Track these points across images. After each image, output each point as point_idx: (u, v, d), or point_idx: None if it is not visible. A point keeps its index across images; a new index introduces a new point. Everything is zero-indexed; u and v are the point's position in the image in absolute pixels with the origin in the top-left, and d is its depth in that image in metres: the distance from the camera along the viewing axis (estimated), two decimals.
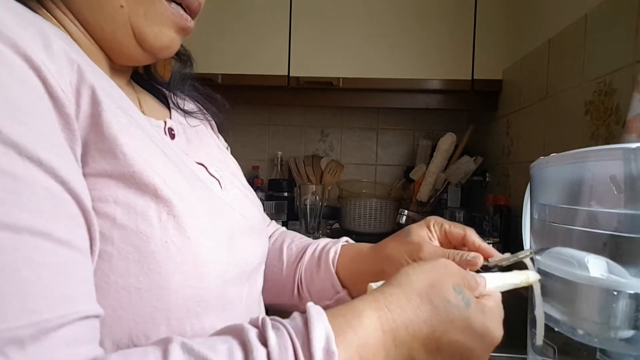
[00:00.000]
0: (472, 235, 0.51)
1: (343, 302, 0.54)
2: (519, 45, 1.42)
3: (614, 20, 0.91)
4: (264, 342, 0.30)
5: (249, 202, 0.51)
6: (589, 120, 0.98)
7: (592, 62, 0.99)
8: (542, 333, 0.44)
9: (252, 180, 1.85)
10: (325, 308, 0.54)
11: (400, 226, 1.61)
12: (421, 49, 1.56)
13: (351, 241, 0.62)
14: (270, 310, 0.69)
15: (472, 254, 0.47)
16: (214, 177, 0.47)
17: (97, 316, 0.29)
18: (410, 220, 1.44)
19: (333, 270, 0.57)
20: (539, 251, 0.48)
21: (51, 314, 0.26)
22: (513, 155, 1.44)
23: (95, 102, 0.32)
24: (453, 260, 0.46)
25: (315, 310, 0.33)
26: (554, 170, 0.51)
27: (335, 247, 0.59)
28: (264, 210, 0.64)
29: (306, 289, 0.59)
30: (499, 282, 0.44)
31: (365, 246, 0.58)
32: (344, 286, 0.56)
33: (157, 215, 0.34)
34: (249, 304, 0.47)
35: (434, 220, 0.53)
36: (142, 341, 0.34)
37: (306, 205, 1.49)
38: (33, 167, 0.27)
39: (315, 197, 1.49)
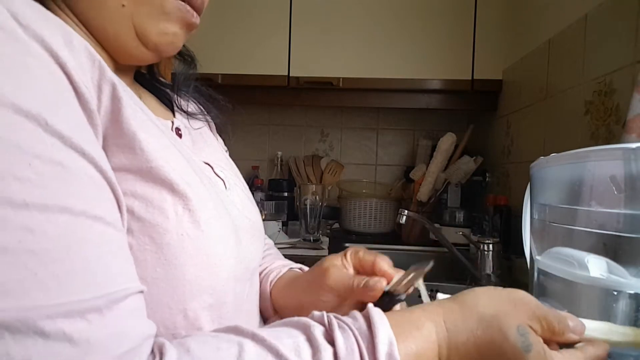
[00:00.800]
0: (381, 262, 0.48)
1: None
2: (519, 45, 1.42)
3: (614, 20, 0.91)
4: (331, 341, 0.32)
5: (251, 204, 0.52)
6: (589, 120, 0.98)
7: (592, 62, 0.99)
8: None
9: (252, 180, 1.85)
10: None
11: (400, 226, 1.61)
12: (421, 49, 1.56)
13: (305, 269, 0.59)
14: None
15: (375, 278, 0.45)
16: (219, 177, 0.48)
17: (143, 291, 0.31)
18: (410, 221, 1.43)
19: (268, 293, 0.55)
20: (422, 274, 0.45)
21: (115, 287, 0.28)
22: (513, 155, 1.44)
23: (115, 98, 0.33)
24: (357, 285, 0.45)
25: (377, 314, 0.34)
26: (554, 170, 0.51)
27: (278, 271, 0.57)
28: (263, 210, 0.64)
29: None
30: (603, 331, 0.38)
31: (293, 274, 0.57)
32: (276, 312, 0.55)
33: (173, 208, 0.35)
34: (251, 302, 0.47)
35: (351, 249, 0.52)
36: (161, 331, 0.35)
37: (306, 205, 1.49)
38: (77, 156, 0.28)
39: (315, 197, 1.49)
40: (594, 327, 0.38)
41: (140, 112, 0.36)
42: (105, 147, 0.33)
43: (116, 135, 0.33)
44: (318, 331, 0.32)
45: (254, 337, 0.31)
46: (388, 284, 0.44)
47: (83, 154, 0.28)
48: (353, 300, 0.48)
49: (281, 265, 0.59)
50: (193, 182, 0.38)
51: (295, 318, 0.35)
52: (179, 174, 0.36)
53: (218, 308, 0.39)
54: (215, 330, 0.34)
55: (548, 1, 1.23)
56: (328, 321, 0.33)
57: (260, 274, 0.57)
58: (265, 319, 0.55)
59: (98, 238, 0.28)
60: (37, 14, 0.29)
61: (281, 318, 0.53)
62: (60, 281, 0.25)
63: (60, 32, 0.30)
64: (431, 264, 0.44)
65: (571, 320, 0.37)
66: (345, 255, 0.51)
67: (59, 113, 0.28)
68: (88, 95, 0.30)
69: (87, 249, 0.27)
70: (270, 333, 0.32)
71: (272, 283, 0.56)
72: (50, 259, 0.25)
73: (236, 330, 0.32)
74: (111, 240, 0.29)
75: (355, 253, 0.51)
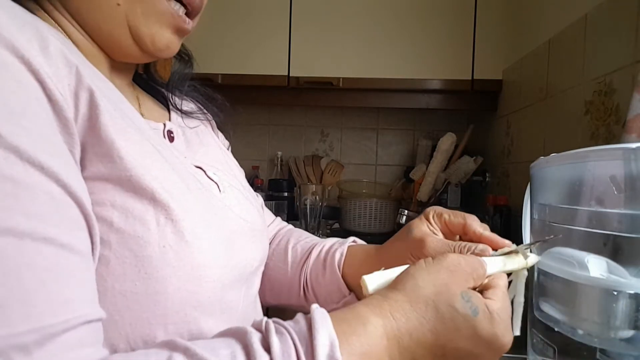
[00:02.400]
0: (473, 223, 0.48)
1: (351, 304, 0.54)
2: (519, 45, 1.42)
3: (614, 20, 0.91)
4: (267, 347, 0.30)
5: (249, 204, 0.51)
6: (589, 120, 0.98)
7: (592, 62, 0.99)
8: (519, 323, 0.43)
9: (252, 180, 1.85)
10: (333, 310, 0.53)
11: (400, 226, 1.61)
12: (421, 49, 1.56)
13: (359, 241, 0.60)
14: (274, 310, 0.69)
15: (480, 246, 0.44)
16: (213, 180, 0.47)
17: (99, 319, 0.29)
18: (410, 220, 1.44)
19: (339, 274, 0.55)
20: (538, 241, 0.47)
21: (55, 319, 0.26)
22: (513, 155, 1.44)
23: (93, 105, 0.32)
24: (460, 252, 0.44)
25: (319, 315, 0.33)
26: (554, 170, 0.51)
27: (341, 249, 0.57)
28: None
29: (312, 291, 0.58)
30: (498, 266, 0.42)
31: (371, 248, 0.56)
32: (350, 289, 0.55)
33: (154, 219, 0.34)
34: (245, 307, 0.46)
35: (433, 211, 0.51)
36: (139, 346, 0.34)
37: (306, 205, 1.49)
38: (34, 171, 0.26)
39: (315, 197, 1.49)
40: (489, 263, 0.41)
41: (120, 119, 0.35)
42: (84, 157, 0.32)
43: (94, 144, 0.32)
44: (255, 338, 0.31)
45: (186, 352, 0.29)
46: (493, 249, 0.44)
47: (42, 168, 0.27)
48: None
49: (337, 243, 0.58)
50: (177, 191, 0.37)
51: (235, 327, 0.33)
52: (161, 183, 0.35)
53: (202, 320, 0.37)
54: (150, 346, 0.32)
55: (548, 1, 1.23)
56: (266, 327, 0.32)
57: (308, 257, 0.57)
58: (337, 301, 0.55)
59: (44, 263, 0.26)
60: (11, 20, 0.28)
61: (357, 296, 0.54)
62: None
63: (35, 38, 0.29)
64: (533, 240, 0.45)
65: (479, 251, 0.42)
66: (428, 219, 0.50)
67: (18, 125, 0.26)
68: (63, 102, 0.29)
69: (28, 276, 0.25)
70: (207, 345, 0.30)
71: (341, 264, 0.55)
72: None
73: (169, 345, 0.30)
74: (61, 264, 0.27)
75: (439, 216, 0.50)
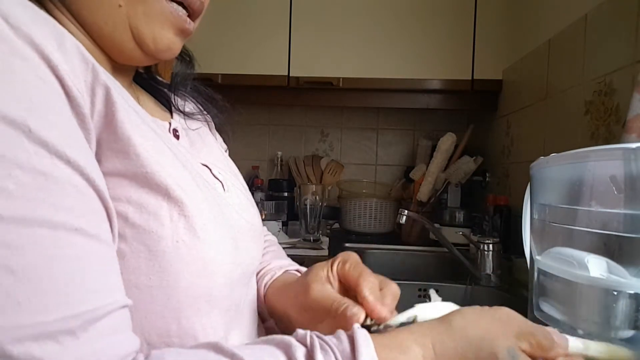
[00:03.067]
0: (363, 283, 0.43)
1: (272, 331, 0.52)
2: (519, 45, 1.42)
3: (614, 20, 0.91)
4: None
5: (250, 205, 0.51)
6: (589, 120, 0.98)
7: (592, 62, 0.99)
8: None
9: (252, 180, 1.84)
10: (264, 330, 0.50)
11: (400, 226, 1.61)
12: (421, 49, 1.56)
13: (302, 269, 0.57)
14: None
15: (354, 309, 0.40)
16: (217, 179, 0.47)
17: (128, 306, 0.30)
18: (410, 221, 1.43)
19: (262, 297, 0.53)
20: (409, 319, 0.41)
21: (94, 304, 0.27)
22: (513, 155, 1.44)
23: (109, 102, 0.32)
24: (335, 310, 0.41)
25: (362, 336, 0.33)
26: (554, 170, 0.51)
27: (272, 273, 0.55)
28: (263, 210, 0.64)
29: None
30: (579, 347, 0.39)
31: (291, 282, 0.53)
32: (271, 315, 0.53)
33: (168, 215, 0.35)
34: (249, 305, 0.47)
35: (340, 258, 0.47)
36: (154, 339, 0.35)
37: (306, 205, 1.49)
38: (62, 164, 0.27)
39: (315, 197, 1.49)
40: (572, 344, 0.38)
41: (135, 116, 0.35)
42: (99, 152, 0.32)
43: (110, 140, 0.33)
44: (300, 352, 0.31)
45: (233, 357, 0.30)
46: (367, 316, 0.40)
47: (68, 162, 0.28)
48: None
49: (277, 267, 0.57)
50: (189, 187, 0.37)
51: (279, 336, 0.34)
52: (175, 179, 0.36)
53: (214, 315, 0.38)
54: (195, 346, 0.33)
55: (548, 1, 1.23)
56: (310, 342, 0.32)
57: (256, 275, 0.56)
58: (264, 321, 0.54)
59: (77, 252, 0.27)
60: (29, 15, 0.28)
61: (275, 323, 0.53)
62: (34, 300, 0.24)
63: (53, 34, 0.29)
64: (414, 316, 0.40)
65: (555, 335, 0.37)
66: (332, 264, 0.47)
67: (45, 119, 0.27)
68: (80, 99, 0.30)
69: (65, 265, 0.26)
70: (252, 353, 0.31)
71: (266, 286, 0.54)
72: (25, 276, 0.24)
73: (216, 348, 0.31)
74: (92, 254, 0.28)
75: (342, 264, 0.46)
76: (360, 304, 0.41)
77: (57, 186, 0.27)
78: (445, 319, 0.37)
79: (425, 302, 0.42)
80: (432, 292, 0.44)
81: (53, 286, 0.25)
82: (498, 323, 0.36)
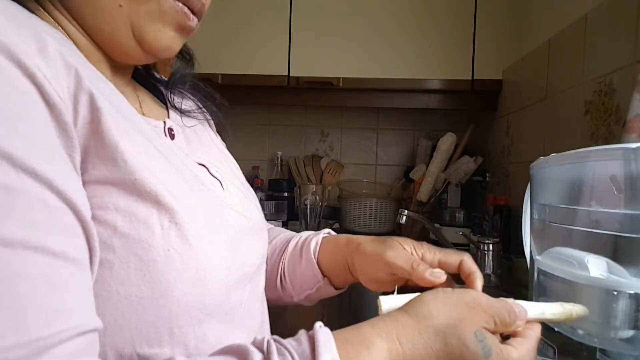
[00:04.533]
0: (468, 261, 0.49)
1: (323, 290, 0.57)
2: (519, 45, 1.42)
3: (614, 20, 0.91)
4: None
5: (250, 202, 0.51)
6: (589, 120, 0.98)
7: (592, 62, 0.99)
8: None
9: (252, 180, 1.85)
10: (307, 297, 0.55)
11: (400, 226, 1.61)
12: (421, 49, 1.56)
13: (333, 233, 0.62)
14: (274, 307, 0.69)
15: (437, 270, 0.45)
16: (216, 177, 0.47)
17: (95, 329, 0.29)
18: (410, 221, 1.43)
19: (314, 260, 0.57)
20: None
21: (47, 331, 0.25)
22: (513, 155, 1.44)
23: (94, 108, 0.31)
24: (416, 269, 0.45)
25: (323, 337, 0.33)
26: (554, 170, 0.51)
27: (316, 238, 0.59)
28: (263, 210, 0.64)
29: (289, 280, 0.59)
30: (536, 312, 0.40)
31: (342, 238, 0.58)
32: (324, 275, 0.57)
33: (159, 223, 0.34)
34: (250, 305, 0.47)
35: (426, 246, 0.51)
36: (145, 350, 0.34)
37: (306, 205, 1.49)
38: (27, 178, 0.26)
39: (315, 197, 1.49)
40: (530, 313, 0.40)
41: (123, 121, 0.34)
42: (85, 160, 0.31)
43: (97, 147, 0.32)
44: (257, 359, 0.31)
45: None
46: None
47: (35, 175, 0.26)
48: (403, 281, 0.49)
49: (313, 234, 0.60)
50: (182, 193, 0.36)
51: (236, 344, 0.33)
52: (166, 186, 0.35)
53: (207, 322, 0.37)
54: None
55: (548, 1, 1.23)
56: (267, 347, 0.32)
57: (295, 246, 0.60)
58: (311, 287, 0.57)
59: (37, 272, 0.25)
60: (8, 22, 0.28)
61: (331, 281, 0.57)
62: None
63: (34, 39, 0.29)
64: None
65: (515, 307, 0.38)
66: (414, 248, 0.51)
67: (13, 130, 0.26)
68: (61, 106, 0.29)
69: (21, 287, 0.24)
70: None
71: (316, 251, 0.57)
72: None
73: None
74: (54, 274, 0.26)
75: (433, 253, 0.50)
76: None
77: (20, 201, 0.25)
78: (408, 308, 0.37)
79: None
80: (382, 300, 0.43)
81: (1, 310, 0.24)
82: (462, 307, 0.36)
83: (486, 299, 0.38)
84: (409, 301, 0.38)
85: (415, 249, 0.51)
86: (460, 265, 0.48)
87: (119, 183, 0.32)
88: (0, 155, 0.25)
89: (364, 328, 0.35)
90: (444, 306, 0.36)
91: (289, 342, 0.33)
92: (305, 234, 0.62)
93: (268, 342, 0.32)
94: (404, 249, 0.50)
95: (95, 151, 0.32)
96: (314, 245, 0.58)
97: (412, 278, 0.46)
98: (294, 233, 0.64)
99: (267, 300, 0.58)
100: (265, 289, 0.59)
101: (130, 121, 0.36)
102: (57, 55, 0.30)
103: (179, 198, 0.36)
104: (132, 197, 0.33)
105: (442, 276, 0.45)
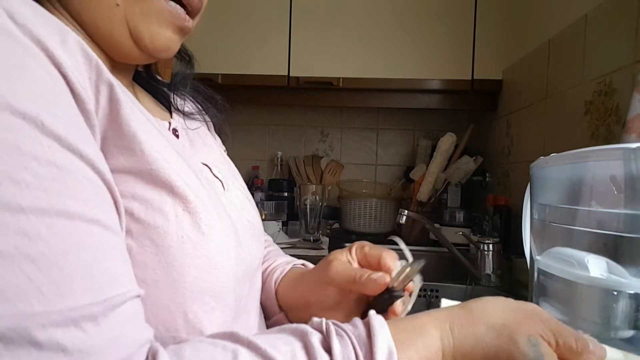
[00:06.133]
0: (387, 258, 0.48)
1: (280, 323, 0.54)
2: (519, 45, 1.42)
3: (614, 20, 0.91)
4: (328, 348, 0.31)
5: (249, 204, 0.51)
6: (589, 120, 0.98)
7: (592, 62, 0.99)
8: None
9: (252, 180, 1.85)
10: (267, 326, 0.53)
11: (400, 226, 1.61)
12: (421, 49, 1.56)
13: (308, 265, 0.59)
14: None
15: (378, 273, 0.45)
16: (217, 178, 0.47)
17: (140, 296, 0.31)
18: (410, 221, 1.43)
19: (273, 291, 0.55)
20: (419, 263, 0.45)
21: (114, 292, 0.28)
22: (513, 155, 1.44)
23: (113, 99, 0.33)
24: (359, 278, 0.45)
25: (378, 322, 0.34)
26: (554, 170, 0.51)
27: (282, 268, 0.57)
28: (263, 210, 0.64)
29: None
30: (622, 358, 0.37)
31: (301, 272, 0.56)
32: (281, 308, 0.55)
33: (173, 210, 0.35)
34: (252, 302, 0.47)
35: (357, 244, 0.52)
36: (161, 333, 0.35)
37: (306, 205, 1.49)
38: (74, 157, 0.28)
39: (315, 197, 1.49)
40: (610, 355, 0.36)
41: (139, 113, 0.36)
42: (104, 149, 0.33)
43: (115, 137, 0.33)
44: (315, 338, 0.32)
45: (249, 345, 0.31)
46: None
47: (80, 155, 0.28)
48: (355, 295, 0.48)
49: (284, 263, 0.59)
50: (193, 184, 0.38)
51: (294, 325, 0.34)
52: (180, 176, 0.36)
53: (219, 310, 0.38)
54: (212, 336, 0.34)
55: (548, 1, 1.23)
56: (326, 328, 0.33)
57: (264, 272, 0.57)
58: (269, 317, 0.55)
59: (95, 241, 0.28)
60: (34, 13, 0.29)
61: (287, 316, 0.54)
62: (56, 287, 0.25)
63: (56, 31, 0.30)
64: (423, 261, 0.45)
65: (591, 343, 0.34)
66: (350, 250, 0.51)
67: (56, 114, 0.27)
68: (85, 95, 0.30)
69: (84, 254, 0.27)
70: (267, 340, 0.31)
71: (277, 281, 0.56)
72: (47, 265, 0.25)
73: (232, 337, 0.32)
74: (108, 244, 0.29)
75: (360, 248, 0.51)
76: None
77: (71, 179, 0.27)
78: (466, 304, 0.37)
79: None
80: (444, 301, 0.44)
81: (74, 273, 0.26)
82: (522, 313, 0.36)
83: (551, 315, 0.36)
84: (470, 300, 0.38)
85: (353, 254, 0.50)
86: (380, 261, 0.48)
87: (136, 172, 0.34)
88: (50, 136, 0.26)
89: (420, 317, 0.36)
90: (501, 308, 0.36)
91: (345, 325, 0.34)
92: (280, 259, 0.60)
93: (327, 323, 0.33)
94: (344, 261, 0.50)
95: (114, 141, 0.33)
96: (277, 274, 0.56)
97: (358, 289, 0.46)
98: (274, 255, 0.61)
99: None
100: None
101: (144, 115, 0.37)
102: (78, 48, 0.31)
103: (192, 189, 0.37)
104: (148, 186, 0.34)
105: (382, 279, 0.44)
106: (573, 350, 0.34)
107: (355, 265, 0.50)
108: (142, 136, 0.34)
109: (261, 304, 0.55)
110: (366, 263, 0.50)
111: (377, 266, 0.48)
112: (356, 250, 0.51)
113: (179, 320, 0.36)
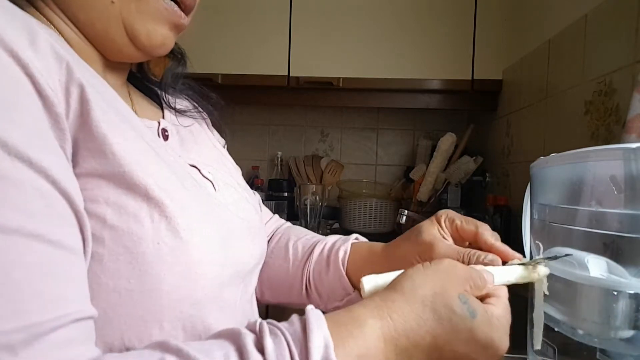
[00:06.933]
0: (485, 232, 0.47)
1: (354, 303, 0.54)
2: (519, 45, 1.42)
3: (614, 20, 0.91)
4: (261, 349, 0.30)
5: (246, 203, 0.51)
6: (589, 120, 0.98)
7: (592, 62, 0.99)
8: (541, 337, 0.43)
9: (252, 180, 1.85)
10: (336, 308, 0.53)
11: (400, 226, 1.61)
12: (421, 49, 1.56)
13: (362, 238, 0.59)
14: (274, 308, 0.69)
15: (490, 256, 0.44)
16: (207, 179, 0.47)
17: (91, 317, 0.29)
18: (410, 221, 1.43)
19: (343, 272, 0.55)
20: (551, 258, 0.45)
21: (43, 317, 0.25)
22: (513, 155, 1.44)
23: (84, 101, 0.32)
24: (468, 262, 0.44)
25: (314, 316, 0.32)
26: (554, 170, 0.51)
27: (345, 246, 0.57)
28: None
29: (315, 289, 0.57)
30: (506, 277, 0.42)
31: (377, 246, 0.56)
32: (354, 287, 0.54)
33: (149, 216, 0.34)
34: (243, 305, 0.46)
35: (445, 215, 0.51)
36: (134, 344, 0.34)
37: (306, 205, 1.49)
38: (22, 166, 0.26)
39: (315, 197, 1.49)
40: (497, 279, 0.41)
41: (114, 114, 0.34)
42: (76, 153, 0.32)
43: (86, 139, 0.32)
44: (249, 339, 0.30)
45: (179, 353, 0.29)
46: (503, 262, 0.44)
47: (30, 163, 0.26)
48: None
49: (341, 241, 0.58)
50: (172, 187, 0.36)
51: (229, 328, 0.33)
52: (155, 179, 0.35)
53: (199, 317, 0.37)
54: (146, 346, 0.31)
55: (548, 1, 1.23)
56: (260, 328, 0.32)
57: (311, 254, 0.57)
58: (340, 299, 0.55)
59: (33, 259, 0.25)
60: (1, 15, 0.28)
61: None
62: None
63: (26, 32, 0.29)
64: (547, 254, 0.44)
65: (484, 273, 0.40)
66: (440, 222, 0.50)
67: (7, 119, 0.26)
68: (54, 98, 0.29)
69: (16, 272, 0.24)
70: (200, 347, 0.30)
71: (345, 261, 0.55)
72: None
73: (162, 346, 0.30)
74: (51, 261, 0.26)
75: (451, 220, 0.50)
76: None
77: (15, 189, 0.25)
78: (394, 285, 0.37)
79: None
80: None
81: (3, 296, 0.24)
82: (443, 275, 0.37)
83: (459, 264, 0.39)
84: (394, 279, 0.38)
85: (444, 228, 0.50)
86: (476, 236, 0.47)
87: (109, 176, 0.33)
88: None
89: (356, 309, 0.35)
90: (425, 277, 0.37)
91: (281, 324, 0.33)
92: (331, 239, 0.59)
93: (260, 323, 0.32)
94: (442, 239, 0.49)
95: (85, 144, 0.32)
96: (342, 254, 0.56)
97: None
98: (318, 236, 0.61)
99: (292, 305, 0.58)
100: (290, 294, 0.58)
101: (122, 116, 0.36)
102: (48, 48, 0.30)
103: (169, 192, 0.35)
104: (122, 190, 0.33)
105: (496, 262, 0.44)
106: (479, 287, 0.38)
107: (450, 240, 0.49)
108: (113, 138, 0.33)
109: (329, 286, 0.55)
110: (458, 237, 0.49)
111: (473, 240, 0.48)
112: (446, 222, 0.50)
113: (154, 331, 0.34)
